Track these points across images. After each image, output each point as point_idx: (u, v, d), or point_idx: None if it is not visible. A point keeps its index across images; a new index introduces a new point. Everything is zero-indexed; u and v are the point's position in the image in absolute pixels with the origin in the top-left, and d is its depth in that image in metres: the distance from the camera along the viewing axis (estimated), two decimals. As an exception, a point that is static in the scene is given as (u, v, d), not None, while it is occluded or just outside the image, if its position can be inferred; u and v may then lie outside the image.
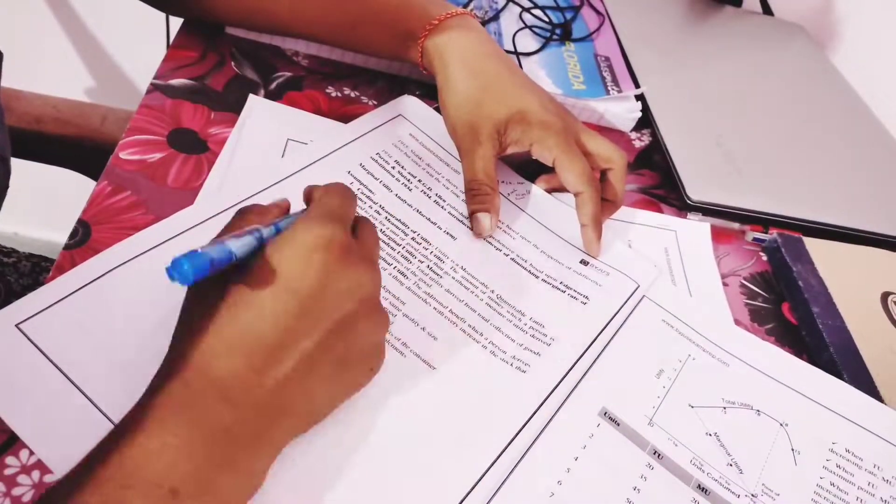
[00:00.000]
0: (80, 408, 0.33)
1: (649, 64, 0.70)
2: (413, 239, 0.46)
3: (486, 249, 0.47)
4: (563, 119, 0.49)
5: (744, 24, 0.85)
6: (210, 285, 0.30)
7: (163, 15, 0.67)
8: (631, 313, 0.46)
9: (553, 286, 0.46)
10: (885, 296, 0.54)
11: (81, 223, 0.41)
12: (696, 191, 0.57)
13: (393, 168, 0.50)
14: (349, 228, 0.33)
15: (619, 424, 0.40)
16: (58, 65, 1.14)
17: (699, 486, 0.39)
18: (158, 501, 0.25)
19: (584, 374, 0.42)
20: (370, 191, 0.47)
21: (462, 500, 0.34)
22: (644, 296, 0.47)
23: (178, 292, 0.31)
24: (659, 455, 0.40)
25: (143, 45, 0.92)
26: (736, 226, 0.58)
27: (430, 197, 0.49)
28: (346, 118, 0.53)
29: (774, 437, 0.43)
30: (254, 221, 0.33)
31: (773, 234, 0.57)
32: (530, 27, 0.69)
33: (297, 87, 0.55)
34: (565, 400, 0.40)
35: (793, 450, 0.42)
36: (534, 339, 0.42)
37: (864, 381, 0.47)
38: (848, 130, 0.73)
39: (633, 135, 0.65)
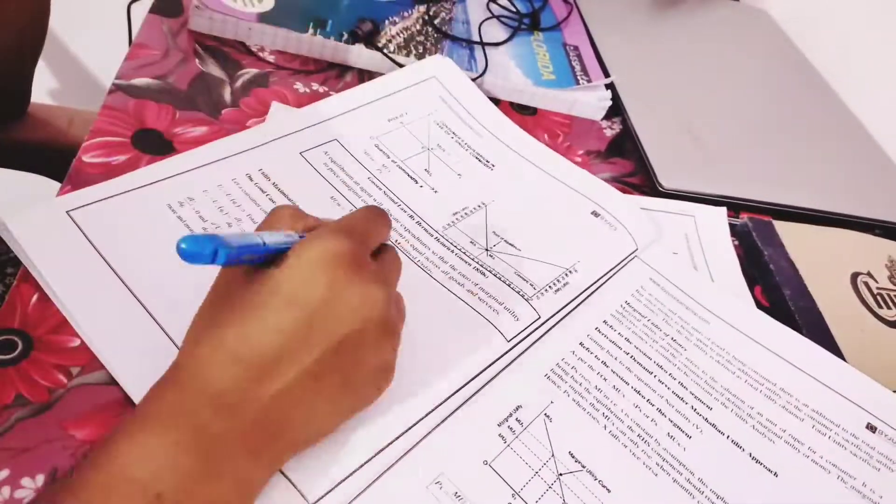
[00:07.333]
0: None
1: (618, 52, 0.70)
2: None
3: None
4: None
5: (710, 10, 0.86)
6: (235, 286, 0.30)
7: (124, 11, 0.65)
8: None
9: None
10: (854, 276, 0.55)
11: (45, 229, 0.40)
12: (667, 178, 0.57)
13: None
14: (367, 246, 0.32)
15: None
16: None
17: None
18: None
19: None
20: None
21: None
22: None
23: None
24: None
25: (105, 43, 0.90)
26: (707, 211, 0.59)
27: None
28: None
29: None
30: (289, 223, 0.32)
31: (744, 218, 0.57)
32: (497, 17, 0.69)
33: (264, 84, 0.55)
34: None
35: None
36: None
37: (835, 362, 0.47)
38: (815, 114, 0.74)
39: (604, 123, 0.65)
